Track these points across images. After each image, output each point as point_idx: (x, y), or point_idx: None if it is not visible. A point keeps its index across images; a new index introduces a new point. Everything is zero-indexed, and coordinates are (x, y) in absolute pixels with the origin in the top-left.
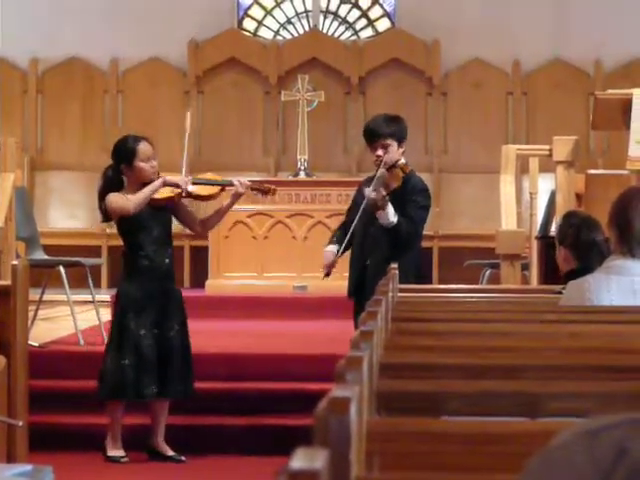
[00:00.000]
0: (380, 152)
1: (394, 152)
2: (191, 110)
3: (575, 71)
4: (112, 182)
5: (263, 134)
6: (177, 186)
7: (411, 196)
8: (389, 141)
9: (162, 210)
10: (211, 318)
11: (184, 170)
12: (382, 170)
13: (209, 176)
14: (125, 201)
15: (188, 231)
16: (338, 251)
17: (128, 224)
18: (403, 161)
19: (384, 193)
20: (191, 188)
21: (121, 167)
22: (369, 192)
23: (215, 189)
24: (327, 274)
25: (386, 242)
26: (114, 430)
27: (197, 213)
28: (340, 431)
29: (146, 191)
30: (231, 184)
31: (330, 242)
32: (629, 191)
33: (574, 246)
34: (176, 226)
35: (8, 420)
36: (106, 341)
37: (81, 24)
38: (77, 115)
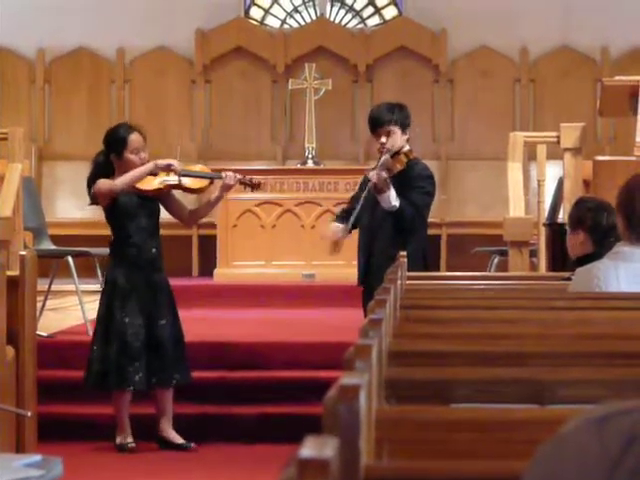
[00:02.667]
0: (384, 139)
1: (398, 139)
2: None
3: (582, 58)
4: (102, 168)
5: (271, 123)
6: (169, 167)
7: (416, 182)
8: (392, 128)
9: (151, 200)
10: (219, 307)
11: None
12: (386, 156)
13: (198, 168)
14: (112, 183)
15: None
16: (346, 228)
17: (116, 212)
18: (407, 148)
19: (386, 175)
20: (182, 180)
21: (111, 156)
22: (372, 175)
23: (205, 182)
24: (337, 250)
25: (390, 227)
26: (121, 420)
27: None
28: (349, 419)
29: (136, 172)
30: (219, 177)
31: (334, 221)
32: (635, 178)
33: (593, 230)
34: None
35: (17, 410)
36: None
37: (88, 14)
38: (84, 105)
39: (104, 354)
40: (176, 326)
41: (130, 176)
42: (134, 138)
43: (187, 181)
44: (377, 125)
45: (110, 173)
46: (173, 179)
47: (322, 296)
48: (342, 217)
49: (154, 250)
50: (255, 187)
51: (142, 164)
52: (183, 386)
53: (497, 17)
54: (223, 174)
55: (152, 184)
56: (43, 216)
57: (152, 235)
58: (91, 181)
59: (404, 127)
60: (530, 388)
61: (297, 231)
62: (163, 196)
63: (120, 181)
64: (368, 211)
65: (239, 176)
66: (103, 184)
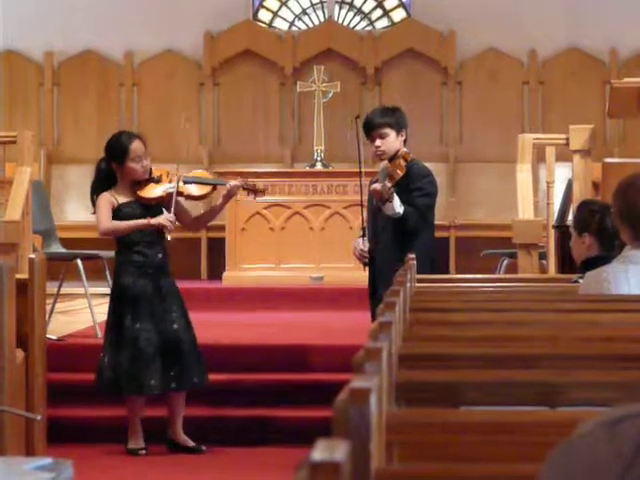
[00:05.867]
0: (378, 142)
1: (392, 141)
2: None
3: (591, 60)
4: (105, 176)
5: (279, 125)
6: (163, 227)
7: (414, 184)
8: (385, 131)
9: (155, 206)
10: (228, 309)
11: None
12: (385, 162)
13: (202, 174)
14: (105, 217)
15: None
16: (363, 240)
17: (120, 220)
18: (404, 150)
19: (389, 185)
20: (184, 188)
21: (112, 164)
22: (374, 185)
23: (207, 189)
24: (364, 264)
25: (392, 232)
26: (133, 423)
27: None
28: (360, 422)
29: (126, 227)
30: (223, 184)
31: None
32: (633, 182)
33: (599, 233)
34: None
35: (26, 414)
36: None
37: (96, 17)
38: (93, 108)
39: (115, 361)
40: (189, 329)
41: (123, 227)
42: (135, 146)
43: (190, 188)
44: (370, 129)
45: (113, 181)
46: (175, 187)
47: (331, 299)
48: (363, 232)
49: (160, 255)
50: (258, 193)
51: (144, 172)
52: (201, 389)
53: (505, 19)
54: (226, 182)
55: (155, 192)
56: (52, 219)
57: (157, 241)
58: (94, 189)
59: (398, 129)
60: (540, 390)
61: (306, 234)
62: (166, 203)
63: (107, 228)
64: (371, 217)
65: (240, 183)
66: (99, 211)
